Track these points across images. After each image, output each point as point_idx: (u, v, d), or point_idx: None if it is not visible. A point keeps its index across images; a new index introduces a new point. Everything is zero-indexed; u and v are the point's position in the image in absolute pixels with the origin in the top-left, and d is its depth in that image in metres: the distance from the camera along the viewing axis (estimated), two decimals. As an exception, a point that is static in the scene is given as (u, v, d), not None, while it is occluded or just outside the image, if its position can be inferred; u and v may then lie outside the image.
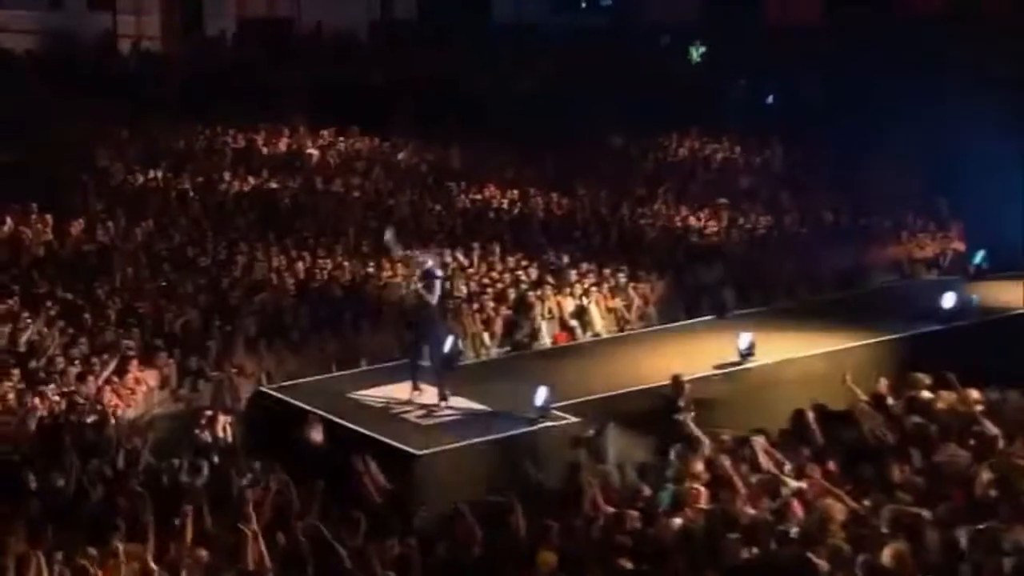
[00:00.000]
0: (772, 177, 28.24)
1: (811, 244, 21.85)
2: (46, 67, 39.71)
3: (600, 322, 18.14)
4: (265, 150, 30.49)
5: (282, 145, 31.21)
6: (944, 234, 22.73)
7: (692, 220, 23.76)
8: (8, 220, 21.00)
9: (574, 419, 13.35)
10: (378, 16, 45.16)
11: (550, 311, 18.07)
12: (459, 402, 13.83)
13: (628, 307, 18.57)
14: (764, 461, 12.39)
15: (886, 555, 9.63)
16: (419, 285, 13.99)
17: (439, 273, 14.27)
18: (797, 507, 10.94)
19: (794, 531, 10.49)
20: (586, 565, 10.30)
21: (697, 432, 13.22)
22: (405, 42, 42.19)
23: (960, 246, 22.08)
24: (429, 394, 13.92)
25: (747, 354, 15.13)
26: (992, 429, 12.98)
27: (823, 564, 9.91)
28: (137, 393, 14.60)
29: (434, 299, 13.98)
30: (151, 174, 26.62)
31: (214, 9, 45.85)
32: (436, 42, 42.25)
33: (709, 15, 43.71)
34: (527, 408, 13.48)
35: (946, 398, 14.26)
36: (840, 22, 40.92)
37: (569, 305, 18.34)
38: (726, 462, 11.98)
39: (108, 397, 14.22)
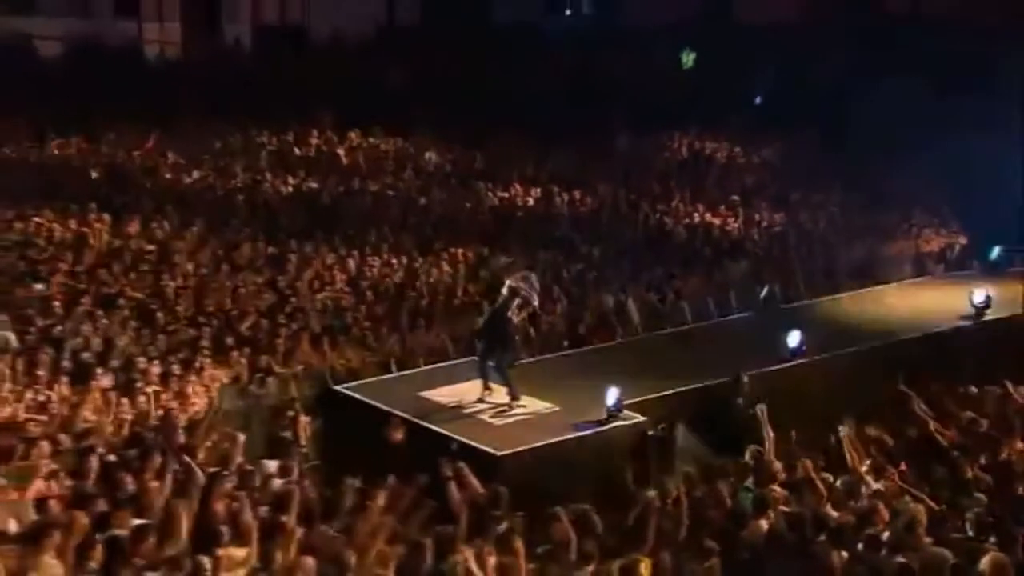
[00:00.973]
0: (775, 173, 27.71)
1: (828, 239, 21.27)
2: (78, 70, 38.92)
3: (637, 316, 17.51)
4: (297, 151, 29.62)
5: (312, 145, 30.41)
6: (948, 230, 22.24)
7: (710, 217, 23.18)
8: (71, 221, 19.96)
9: (642, 418, 12.61)
10: (384, 21, 44.20)
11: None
12: (529, 402, 13.05)
13: (662, 301, 17.95)
14: (849, 456, 11.73)
15: (985, 563, 8.95)
16: (509, 301, 13.29)
17: (526, 292, 13.47)
18: (883, 510, 10.23)
19: (886, 535, 9.82)
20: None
21: (768, 429, 12.56)
22: (410, 46, 41.14)
23: (963, 240, 21.67)
24: (499, 394, 13.13)
25: (797, 351, 14.36)
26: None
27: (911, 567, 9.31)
28: (212, 391, 13.83)
29: (517, 315, 13.39)
30: (195, 174, 25.79)
31: (230, 16, 45.30)
32: (441, 45, 41.30)
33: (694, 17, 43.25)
34: (597, 407, 12.70)
35: (990, 395, 13.75)
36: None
37: (609, 302, 17.71)
38: (808, 463, 11.30)
39: (190, 396, 13.45)
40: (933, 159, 24.14)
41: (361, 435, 12.76)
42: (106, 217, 20.23)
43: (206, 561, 8.83)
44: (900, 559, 9.32)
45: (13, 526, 9.47)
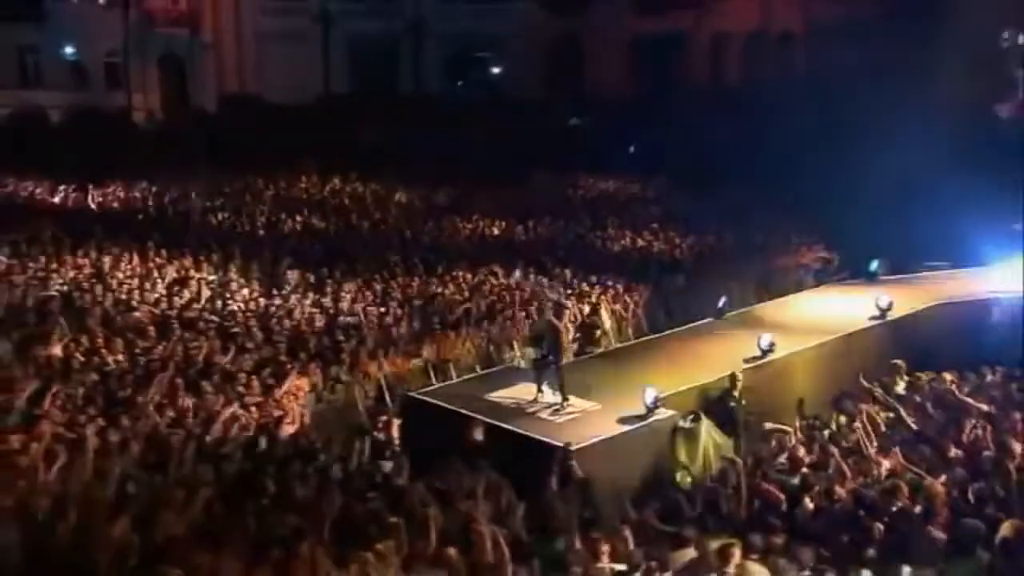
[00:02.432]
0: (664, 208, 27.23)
1: (739, 257, 20.70)
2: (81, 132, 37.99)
3: (608, 323, 16.64)
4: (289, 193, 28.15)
5: (303, 189, 28.96)
6: (814, 246, 21.78)
7: (640, 240, 22.44)
8: (134, 257, 18.28)
9: (675, 412, 11.71)
10: (321, 90, 43.45)
11: (573, 317, 16.36)
12: (576, 401, 12.03)
13: (625, 310, 17.12)
14: (864, 438, 10.98)
15: (1006, 528, 8.29)
16: (551, 311, 12.61)
17: (563, 303, 12.78)
18: (904, 486, 9.49)
19: (917, 509, 9.10)
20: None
21: (773, 425, 11.91)
22: (343, 110, 40.29)
23: (828, 256, 21.28)
24: (549, 394, 12.12)
25: (768, 350, 13.59)
26: (983, 407, 11.86)
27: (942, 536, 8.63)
28: (301, 399, 12.54)
29: (560, 321, 12.55)
30: (219, 216, 24.09)
31: (199, 88, 45.73)
32: (369, 109, 40.26)
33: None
34: (630, 404, 11.79)
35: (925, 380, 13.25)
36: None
37: (586, 310, 16.76)
38: (833, 449, 10.52)
39: (285, 404, 12.14)
40: (805, 193, 24.13)
41: (437, 434, 11.65)
42: (164, 253, 18.51)
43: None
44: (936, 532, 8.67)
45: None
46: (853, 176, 24.60)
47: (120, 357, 12.76)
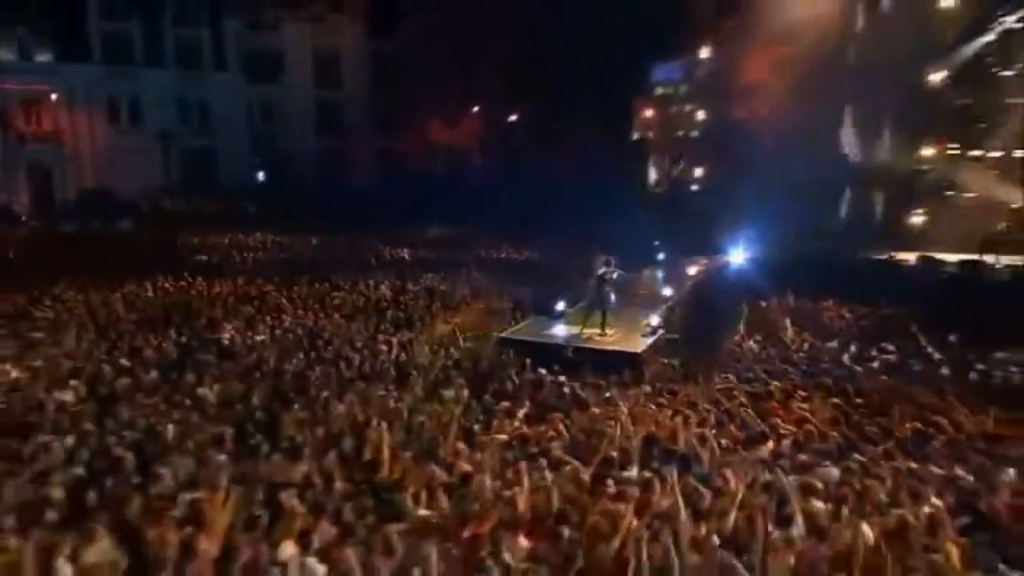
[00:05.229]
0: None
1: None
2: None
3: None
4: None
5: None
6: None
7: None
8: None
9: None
10: (162, 183, 40.20)
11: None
12: (610, 330, 12.99)
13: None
14: None
15: None
16: (604, 271, 13.23)
17: (612, 265, 13.37)
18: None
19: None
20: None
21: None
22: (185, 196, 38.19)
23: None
24: (593, 324, 12.93)
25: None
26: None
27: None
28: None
29: (610, 277, 13.21)
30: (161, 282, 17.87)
31: (62, 185, 40.80)
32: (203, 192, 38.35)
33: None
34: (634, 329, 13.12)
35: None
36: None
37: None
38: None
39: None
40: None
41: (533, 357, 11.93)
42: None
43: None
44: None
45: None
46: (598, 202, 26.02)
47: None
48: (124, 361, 10.49)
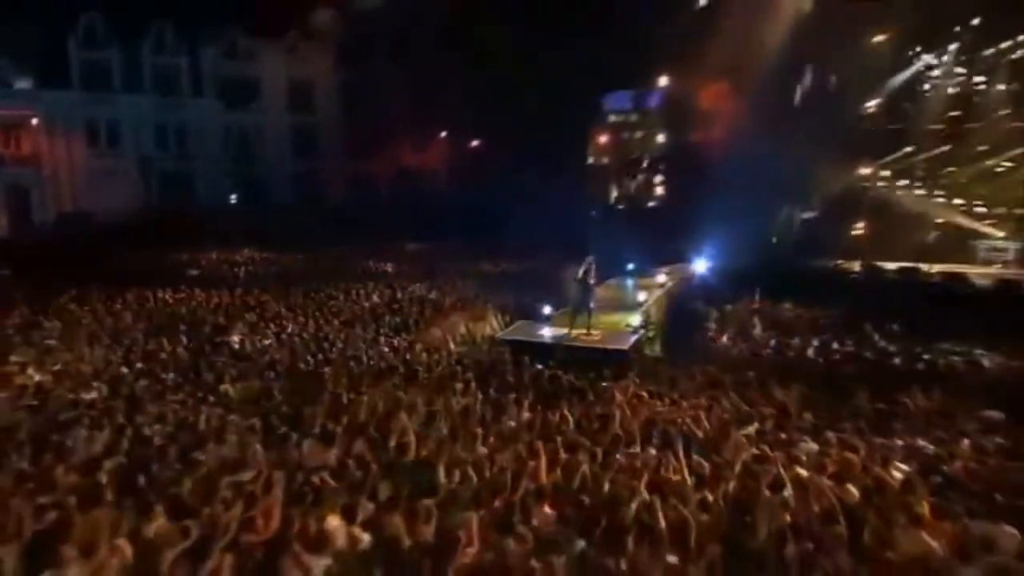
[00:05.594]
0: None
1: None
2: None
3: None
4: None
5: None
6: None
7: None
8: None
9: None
10: (141, 205, 38.48)
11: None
12: (595, 331, 13.30)
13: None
14: None
15: None
16: (583, 274, 13.31)
17: (593, 268, 13.50)
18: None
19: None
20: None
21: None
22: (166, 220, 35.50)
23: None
24: (580, 324, 13.14)
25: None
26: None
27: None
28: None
29: (591, 280, 13.38)
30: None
31: (40, 207, 39.10)
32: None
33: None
34: (620, 330, 13.52)
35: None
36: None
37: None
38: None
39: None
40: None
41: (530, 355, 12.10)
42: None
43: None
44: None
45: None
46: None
47: None
48: (141, 364, 10.43)
